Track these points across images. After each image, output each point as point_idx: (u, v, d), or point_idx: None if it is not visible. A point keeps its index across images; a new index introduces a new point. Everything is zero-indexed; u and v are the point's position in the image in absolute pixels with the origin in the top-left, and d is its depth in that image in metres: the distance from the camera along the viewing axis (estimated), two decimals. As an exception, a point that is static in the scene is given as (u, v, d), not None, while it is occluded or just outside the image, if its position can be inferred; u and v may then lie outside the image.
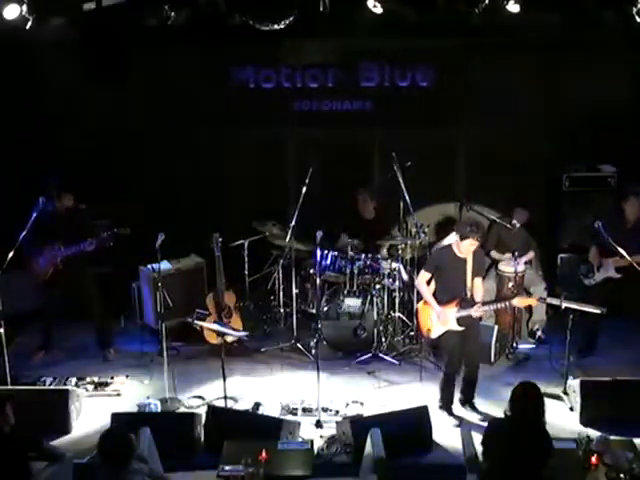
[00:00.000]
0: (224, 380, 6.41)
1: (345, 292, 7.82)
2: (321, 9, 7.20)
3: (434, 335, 6.61)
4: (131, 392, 7.08)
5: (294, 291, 8.05)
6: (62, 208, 7.32)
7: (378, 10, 7.15)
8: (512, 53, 8.41)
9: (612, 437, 5.68)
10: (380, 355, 7.64)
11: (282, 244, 8.08)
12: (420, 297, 6.82)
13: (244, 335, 7.20)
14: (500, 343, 7.61)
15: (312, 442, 5.94)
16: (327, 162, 8.27)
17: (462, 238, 6.26)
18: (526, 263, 7.96)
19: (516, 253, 7.54)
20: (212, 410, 6.37)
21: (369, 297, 7.73)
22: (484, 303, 6.53)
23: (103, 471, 4.66)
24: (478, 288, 6.48)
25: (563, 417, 6.55)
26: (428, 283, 6.60)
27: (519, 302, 6.70)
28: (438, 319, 6.49)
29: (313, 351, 7.47)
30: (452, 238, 6.59)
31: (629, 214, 7.36)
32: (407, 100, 8.75)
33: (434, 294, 6.54)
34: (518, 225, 7.91)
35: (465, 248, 6.29)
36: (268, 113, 8.76)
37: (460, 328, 6.42)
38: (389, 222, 8.35)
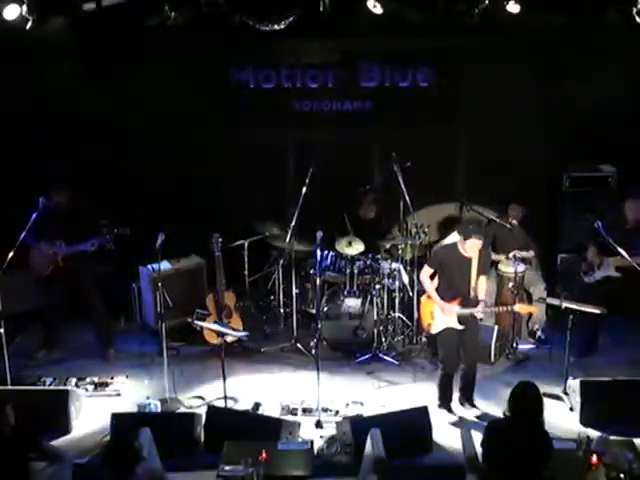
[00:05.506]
0: (224, 380, 6.41)
1: (345, 292, 7.83)
2: (321, 9, 7.21)
3: (434, 330, 6.62)
4: (131, 392, 7.08)
5: (294, 291, 8.06)
6: (62, 205, 7.31)
7: (378, 10, 7.15)
8: (512, 53, 8.41)
9: (612, 437, 5.68)
10: (380, 355, 7.64)
11: (282, 244, 8.08)
12: (421, 294, 6.84)
13: (244, 335, 7.20)
14: (500, 343, 7.61)
15: (312, 442, 5.95)
16: (327, 162, 8.26)
17: (465, 238, 6.28)
18: (525, 262, 7.96)
19: (515, 252, 7.55)
20: (212, 410, 6.38)
21: (369, 297, 7.74)
22: (487, 305, 6.52)
23: (107, 475, 4.65)
24: (482, 285, 6.50)
25: (563, 417, 6.55)
26: (431, 279, 6.62)
27: (521, 309, 6.76)
28: (440, 315, 6.50)
29: (313, 351, 7.46)
30: (453, 238, 6.59)
31: (628, 215, 7.36)
32: (407, 100, 8.74)
33: (437, 291, 6.55)
34: (516, 224, 7.91)
35: (469, 248, 6.30)
36: (268, 113, 8.76)
37: (460, 326, 6.43)
38: (389, 222, 8.35)
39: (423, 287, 6.70)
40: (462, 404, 6.70)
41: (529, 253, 8.05)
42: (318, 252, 7.44)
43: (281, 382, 7.28)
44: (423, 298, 6.77)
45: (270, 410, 6.66)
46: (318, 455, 5.95)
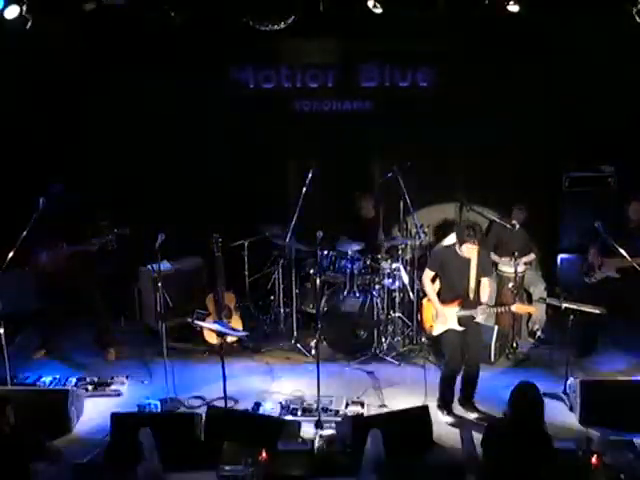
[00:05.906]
0: (224, 380, 6.40)
1: (345, 292, 7.83)
2: (321, 9, 7.21)
3: (435, 332, 6.63)
4: (131, 392, 7.08)
5: (294, 291, 8.06)
6: (63, 205, 7.31)
7: (378, 10, 7.15)
8: (512, 53, 8.40)
9: (612, 437, 5.68)
10: (380, 355, 7.64)
11: (282, 244, 8.08)
12: (422, 294, 6.83)
13: (244, 335, 7.21)
14: (500, 343, 7.61)
15: (312, 442, 5.95)
16: (327, 162, 8.27)
17: (461, 242, 6.28)
18: (526, 264, 7.96)
19: (516, 254, 7.55)
20: (212, 410, 6.37)
21: (369, 297, 7.74)
22: (487, 306, 6.54)
23: (107, 475, 4.66)
24: (485, 288, 6.50)
25: (563, 417, 6.55)
26: (433, 281, 6.62)
27: (518, 309, 6.76)
28: (440, 317, 6.50)
29: (313, 351, 7.46)
30: (452, 239, 6.58)
31: (632, 216, 7.35)
32: (407, 100, 8.74)
33: (439, 292, 6.55)
34: (518, 226, 7.91)
35: (465, 251, 6.30)
36: (268, 113, 8.76)
37: (460, 328, 6.43)
38: (389, 222, 8.35)
39: (424, 289, 6.71)
40: (462, 405, 6.69)
41: (530, 257, 8.05)
42: (318, 252, 7.45)
43: (281, 382, 7.28)
44: (424, 301, 6.76)
45: (270, 410, 6.66)
46: (318, 455, 5.95)
